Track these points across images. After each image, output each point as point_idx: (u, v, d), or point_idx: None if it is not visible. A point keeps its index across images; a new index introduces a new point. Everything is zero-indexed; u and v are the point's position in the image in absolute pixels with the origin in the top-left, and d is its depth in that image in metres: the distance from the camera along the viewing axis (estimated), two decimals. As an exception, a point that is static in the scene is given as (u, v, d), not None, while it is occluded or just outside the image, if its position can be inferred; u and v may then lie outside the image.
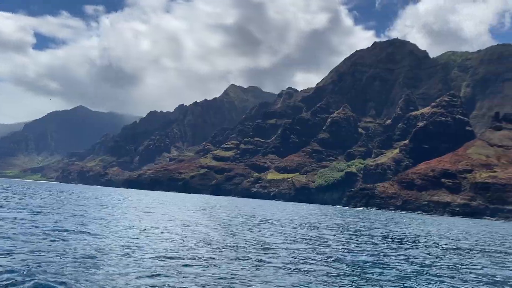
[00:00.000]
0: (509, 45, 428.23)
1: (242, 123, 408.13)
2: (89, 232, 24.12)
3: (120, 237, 23.62)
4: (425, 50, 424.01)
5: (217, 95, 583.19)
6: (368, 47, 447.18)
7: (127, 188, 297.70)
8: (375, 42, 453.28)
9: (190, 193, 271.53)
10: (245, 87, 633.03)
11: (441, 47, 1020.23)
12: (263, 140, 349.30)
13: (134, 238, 23.77)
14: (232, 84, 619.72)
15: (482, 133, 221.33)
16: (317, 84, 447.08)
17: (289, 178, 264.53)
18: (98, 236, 23.01)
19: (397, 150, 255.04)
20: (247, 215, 58.48)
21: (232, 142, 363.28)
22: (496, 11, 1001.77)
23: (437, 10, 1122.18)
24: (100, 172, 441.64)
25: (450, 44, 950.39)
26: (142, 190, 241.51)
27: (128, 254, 18.48)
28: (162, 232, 27.95)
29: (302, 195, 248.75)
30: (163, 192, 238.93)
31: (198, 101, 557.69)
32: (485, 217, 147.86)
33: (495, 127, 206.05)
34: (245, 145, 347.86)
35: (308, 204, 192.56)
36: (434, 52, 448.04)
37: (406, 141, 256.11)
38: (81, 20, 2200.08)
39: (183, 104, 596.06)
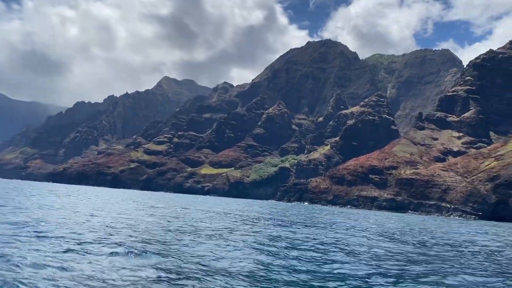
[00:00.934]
0: (430, 50, 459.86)
1: (176, 116, 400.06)
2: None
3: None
4: (355, 52, 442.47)
5: (150, 87, 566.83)
6: (302, 46, 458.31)
7: (51, 182, 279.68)
8: (308, 42, 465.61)
9: (119, 188, 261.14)
10: (180, 80, 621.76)
11: (369, 49, 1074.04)
12: (197, 134, 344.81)
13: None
14: (165, 76, 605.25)
15: (407, 132, 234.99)
16: (253, 80, 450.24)
17: (223, 173, 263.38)
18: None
19: (328, 147, 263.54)
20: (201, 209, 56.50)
21: (165, 135, 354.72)
22: (420, 17, 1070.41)
23: (366, 13, 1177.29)
24: (21, 165, 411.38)
25: (378, 47, 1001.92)
26: (68, 185, 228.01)
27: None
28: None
29: (236, 190, 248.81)
30: (92, 187, 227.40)
31: (129, 92, 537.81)
32: (409, 211, 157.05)
33: (418, 127, 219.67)
34: (179, 139, 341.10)
35: (243, 199, 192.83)
36: (363, 54, 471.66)
37: (337, 138, 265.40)
38: (1, 1, 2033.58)
39: (113, 95, 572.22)
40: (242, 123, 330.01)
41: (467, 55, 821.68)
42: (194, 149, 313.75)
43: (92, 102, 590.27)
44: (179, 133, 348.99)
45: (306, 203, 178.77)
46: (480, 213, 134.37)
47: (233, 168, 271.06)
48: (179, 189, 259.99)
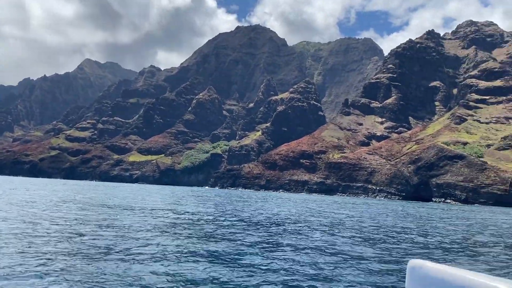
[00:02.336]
0: (353, 39, 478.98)
1: (100, 101, 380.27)
2: None
3: None
4: (283, 38, 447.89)
5: (70, 70, 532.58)
6: (232, 31, 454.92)
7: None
8: (238, 27, 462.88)
9: (39, 177, 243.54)
10: (103, 62, 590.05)
11: (296, 36, 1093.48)
12: (123, 120, 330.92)
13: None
14: (87, 59, 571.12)
15: (334, 118, 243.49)
16: (181, 64, 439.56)
17: (153, 160, 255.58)
18: None
19: (259, 133, 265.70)
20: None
21: (88, 121, 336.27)
22: (343, 6, 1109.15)
23: (293, 0, 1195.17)
24: None
25: (304, 34, 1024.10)
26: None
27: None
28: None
29: (167, 177, 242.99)
30: (7, 177, 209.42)
31: (47, 75, 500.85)
32: (338, 193, 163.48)
33: (344, 113, 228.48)
34: (103, 125, 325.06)
35: (174, 186, 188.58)
36: (290, 40, 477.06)
37: (268, 124, 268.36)
38: None
39: (29, 78, 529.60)
40: (172, 109, 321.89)
41: (386, 44, 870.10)
42: (121, 135, 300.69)
43: (5, 85, 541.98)
44: (104, 118, 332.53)
45: (239, 189, 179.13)
46: (404, 194, 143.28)
47: (163, 155, 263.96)
48: (106, 177, 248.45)
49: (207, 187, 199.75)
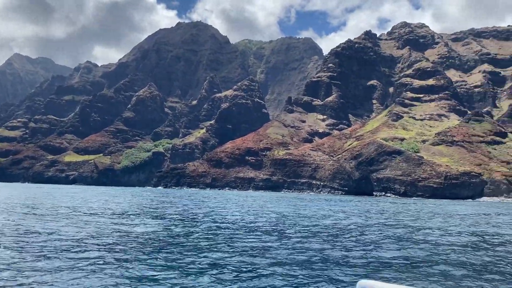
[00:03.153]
0: (294, 38, 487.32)
1: (31, 98, 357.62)
2: None
3: None
4: (226, 36, 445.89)
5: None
6: (172, 27, 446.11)
7: None
8: (179, 23, 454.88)
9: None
10: (34, 58, 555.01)
11: (238, 34, 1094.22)
12: (58, 119, 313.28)
13: None
14: (16, 53, 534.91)
15: (278, 115, 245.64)
16: (120, 60, 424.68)
17: (91, 160, 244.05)
18: None
19: (203, 130, 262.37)
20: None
21: (19, 120, 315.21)
22: (283, 5, 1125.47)
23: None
24: None
25: (246, 32, 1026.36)
26: None
27: None
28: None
29: (106, 177, 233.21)
30: None
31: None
32: (284, 190, 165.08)
33: (288, 110, 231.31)
34: (36, 123, 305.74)
35: (114, 187, 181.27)
36: (232, 38, 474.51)
37: (212, 122, 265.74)
38: None
39: None
40: (110, 106, 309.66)
41: (325, 44, 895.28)
42: (55, 134, 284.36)
43: None
44: (36, 117, 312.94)
45: (184, 188, 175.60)
46: (346, 189, 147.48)
47: (101, 154, 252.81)
48: (40, 178, 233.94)
49: (149, 187, 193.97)
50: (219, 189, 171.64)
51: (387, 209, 57.73)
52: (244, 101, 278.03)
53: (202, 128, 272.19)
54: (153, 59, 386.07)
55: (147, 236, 20.79)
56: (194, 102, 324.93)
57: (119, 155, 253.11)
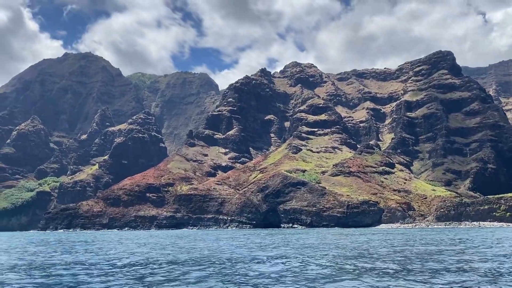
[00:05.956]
0: (190, 73, 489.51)
1: None
2: None
3: None
4: (118, 68, 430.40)
5: None
6: (59, 57, 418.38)
7: None
8: (66, 53, 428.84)
9: None
10: None
11: (129, 67, 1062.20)
12: None
13: None
14: None
15: (179, 149, 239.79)
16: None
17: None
18: None
19: (96, 166, 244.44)
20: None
21: None
22: (177, 41, 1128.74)
23: (124, 30, 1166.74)
24: None
25: (138, 66, 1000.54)
26: None
27: None
28: None
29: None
30: None
31: None
32: (189, 227, 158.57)
33: (189, 144, 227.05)
34: None
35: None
36: (123, 71, 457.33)
37: (106, 157, 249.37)
38: None
39: None
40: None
41: (218, 80, 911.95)
42: None
43: None
44: None
45: (77, 230, 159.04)
46: (254, 222, 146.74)
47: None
48: None
49: (34, 231, 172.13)
50: (118, 229, 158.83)
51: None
52: (140, 135, 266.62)
53: (94, 164, 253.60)
54: (37, 90, 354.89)
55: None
56: (84, 137, 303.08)
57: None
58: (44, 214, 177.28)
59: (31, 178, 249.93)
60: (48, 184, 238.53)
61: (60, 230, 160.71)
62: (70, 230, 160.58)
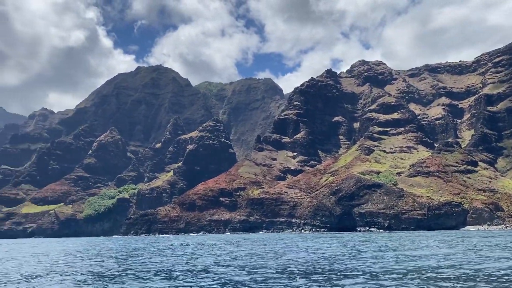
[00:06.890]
0: (254, 79, 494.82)
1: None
2: None
3: None
4: (186, 78, 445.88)
5: None
6: (132, 71, 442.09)
7: None
8: (138, 67, 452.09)
9: None
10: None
11: (197, 76, 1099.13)
12: (12, 168, 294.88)
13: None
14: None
15: (248, 154, 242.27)
16: (77, 106, 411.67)
17: (51, 211, 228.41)
18: None
19: (170, 173, 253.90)
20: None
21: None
22: (241, 48, 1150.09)
23: (190, 42, 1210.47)
24: None
25: (204, 75, 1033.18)
26: None
27: None
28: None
29: (68, 228, 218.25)
30: None
31: None
32: (262, 230, 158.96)
33: (258, 148, 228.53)
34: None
35: (77, 238, 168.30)
36: (191, 81, 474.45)
37: (179, 164, 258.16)
38: None
39: None
40: (69, 153, 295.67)
41: (281, 84, 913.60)
42: (10, 185, 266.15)
43: None
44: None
45: (156, 235, 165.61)
46: (328, 225, 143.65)
47: (62, 203, 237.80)
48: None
49: (117, 236, 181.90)
50: (194, 234, 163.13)
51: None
52: (210, 141, 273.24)
53: (169, 171, 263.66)
54: (113, 103, 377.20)
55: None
56: (159, 145, 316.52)
57: (81, 203, 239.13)
58: (125, 220, 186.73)
59: (111, 186, 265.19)
60: (127, 192, 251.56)
61: (142, 235, 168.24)
62: (150, 234, 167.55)
